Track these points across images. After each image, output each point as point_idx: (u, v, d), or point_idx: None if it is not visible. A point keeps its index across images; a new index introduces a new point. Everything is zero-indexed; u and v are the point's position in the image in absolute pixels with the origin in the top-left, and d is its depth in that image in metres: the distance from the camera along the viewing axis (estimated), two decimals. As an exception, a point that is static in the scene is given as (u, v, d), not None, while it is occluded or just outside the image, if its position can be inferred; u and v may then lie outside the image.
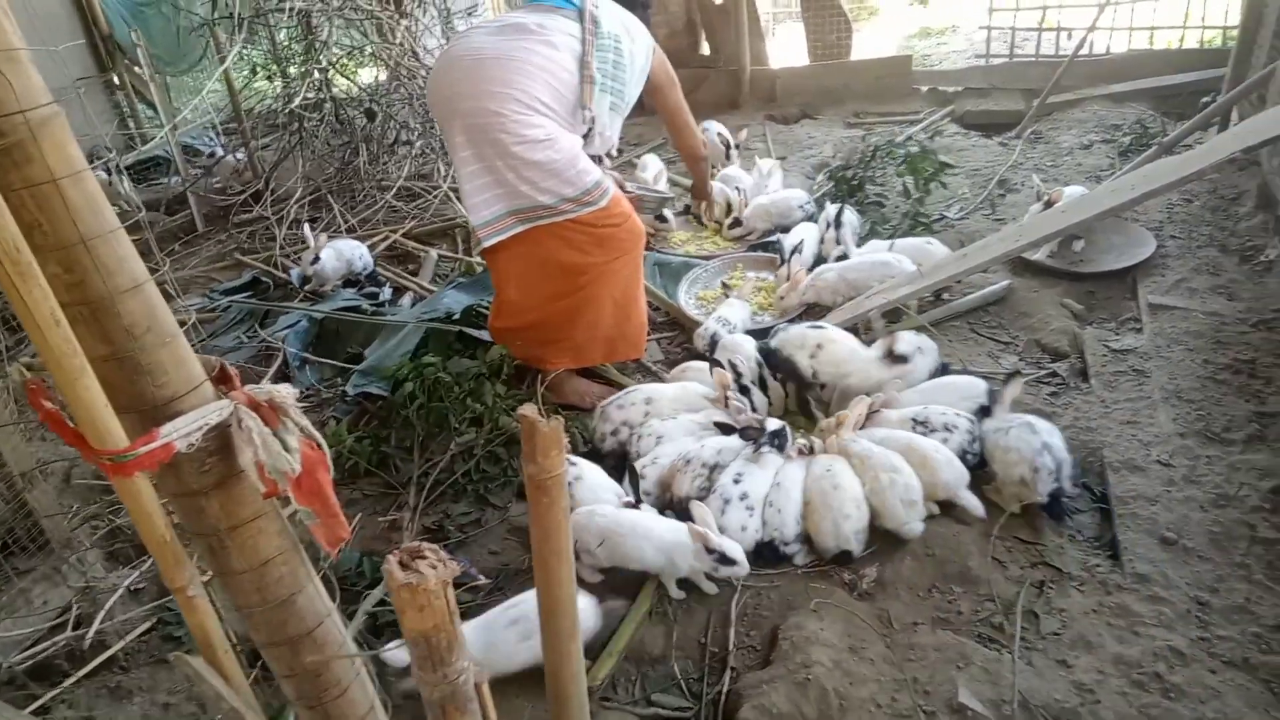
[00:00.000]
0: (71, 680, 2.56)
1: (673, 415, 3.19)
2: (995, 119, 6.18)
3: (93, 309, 0.87)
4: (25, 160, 0.81)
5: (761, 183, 5.09)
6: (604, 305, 3.45)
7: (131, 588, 2.89)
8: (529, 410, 1.26)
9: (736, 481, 2.80)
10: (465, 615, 2.58)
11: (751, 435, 2.92)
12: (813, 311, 4.03)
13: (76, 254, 0.85)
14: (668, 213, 5.01)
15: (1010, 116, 6.10)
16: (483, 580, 2.71)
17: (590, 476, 2.86)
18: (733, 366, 3.31)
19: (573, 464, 2.87)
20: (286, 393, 0.97)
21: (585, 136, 3.34)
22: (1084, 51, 6.15)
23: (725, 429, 3.03)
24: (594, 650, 2.53)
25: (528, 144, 3.09)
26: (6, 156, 0.79)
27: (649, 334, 4.12)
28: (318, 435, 0.99)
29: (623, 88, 3.38)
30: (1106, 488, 2.87)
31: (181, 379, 0.93)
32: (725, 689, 2.44)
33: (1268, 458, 2.87)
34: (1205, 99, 5.49)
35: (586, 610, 2.45)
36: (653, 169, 5.41)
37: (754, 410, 3.19)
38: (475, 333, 3.93)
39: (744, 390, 3.23)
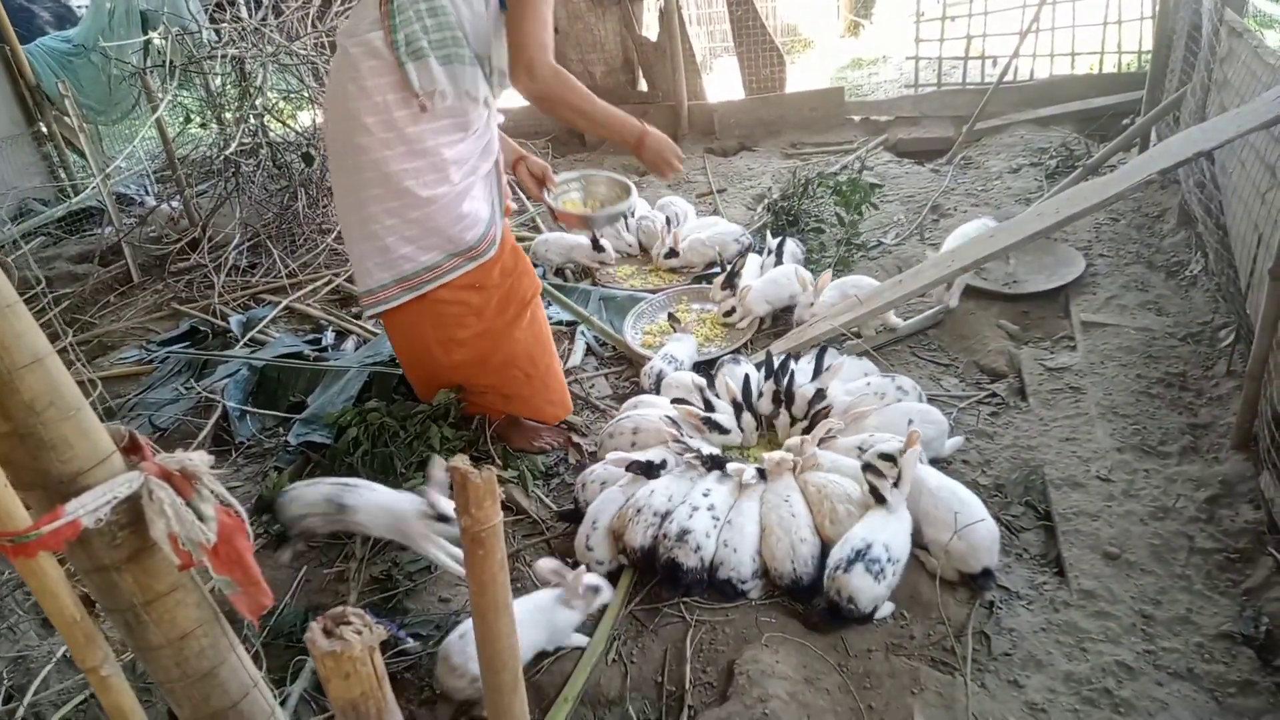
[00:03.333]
0: (1, 759, 2.45)
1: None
2: (927, 146, 6.34)
3: (-10, 386, 0.84)
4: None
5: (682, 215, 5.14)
6: (516, 374, 3.32)
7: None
8: (460, 462, 1.25)
9: (705, 494, 2.84)
10: (395, 680, 2.52)
11: (711, 465, 2.94)
12: (758, 343, 4.08)
13: (-31, 331, 0.82)
14: (605, 243, 4.99)
15: (941, 143, 6.27)
16: (412, 644, 2.65)
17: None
18: (700, 392, 3.35)
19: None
20: (199, 459, 0.94)
21: (471, 118, 2.96)
22: (1008, 78, 6.36)
23: (712, 462, 3.00)
24: (547, 696, 2.49)
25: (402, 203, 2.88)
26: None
27: (596, 369, 4.13)
28: (234, 502, 0.97)
29: (456, 33, 2.79)
30: (1049, 505, 2.92)
31: (87, 452, 0.90)
32: (683, 728, 2.42)
33: (1201, 468, 2.95)
34: (1126, 120, 5.71)
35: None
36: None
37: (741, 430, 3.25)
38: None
39: (708, 404, 3.28)
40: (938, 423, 3.11)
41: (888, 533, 2.58)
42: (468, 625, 2.43)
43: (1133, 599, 2.58)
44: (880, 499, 2.65)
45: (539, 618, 2.53)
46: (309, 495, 2.85)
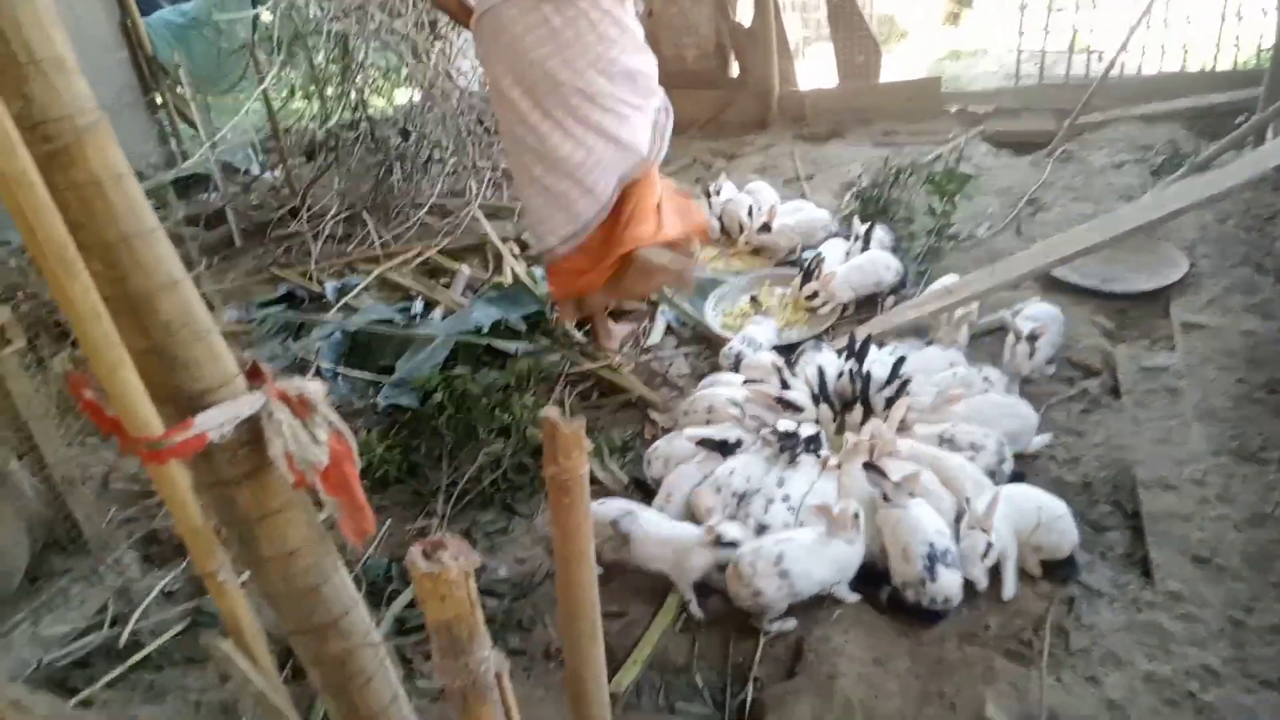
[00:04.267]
0: (107, 678, 2.61)
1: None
2: (1025, 138, 6.14)
3: (132, 304, 0.91)
4: (70, 163, 0.85)
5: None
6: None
7: (166, 589, 2.95)
8: (552, 412, 1.29)
9: (780, 484, 2.84)
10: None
11: (788, 444, 2.93)
12: (840, 329, 4.04)
13: (117, 253, 0.89)
14: None
15: (1041, 136, 6.06)
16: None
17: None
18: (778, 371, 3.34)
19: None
20: (316, 388, 1.00)
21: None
22: (1115, 72, 6.11)
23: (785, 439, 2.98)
24: (617, 659, 2.54)
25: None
26: (54, 160, 0.84)
27: (676, 347, 4.16)
28: (345, 429, 1.03)
29: None
30: (1138, 505, 2.83)
31: (215, 373, 0.97)
32: (749, 699, 2.44)
33: (1305, 477, 2.82)
34: (1239, 119, 5.44)
35: None
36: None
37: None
38: (503, 345, 3.99)
39: (784, 384, 3.24)
40: (1025, 417, 3.04)
41: (930, 519, 2.58)
42: (758, 543, 2.58)
43: (1222, 604, 2.49)
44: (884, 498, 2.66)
45: (821, 554, 2.56)
46: (596, 514, 2.70)
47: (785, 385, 3.27)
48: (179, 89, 6.17)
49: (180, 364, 0.94)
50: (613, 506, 2.79)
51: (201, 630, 2.80)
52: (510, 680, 1.08)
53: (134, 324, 0.92)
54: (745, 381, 3.33)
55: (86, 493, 2.94)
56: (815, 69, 8.34)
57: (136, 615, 2.79)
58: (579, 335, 4.17)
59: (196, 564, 1.00)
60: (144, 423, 0.89)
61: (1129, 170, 5.25)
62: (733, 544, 2.60)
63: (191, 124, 6.36)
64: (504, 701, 1.06)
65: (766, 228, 4.81)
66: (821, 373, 3.27)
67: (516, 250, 5.30)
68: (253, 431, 0.98)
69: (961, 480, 2.74)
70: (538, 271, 4.87)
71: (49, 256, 0.80)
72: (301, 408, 0.99)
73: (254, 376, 1.01)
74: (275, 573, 1.03)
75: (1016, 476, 2.90)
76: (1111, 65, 6.00)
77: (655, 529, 2.73)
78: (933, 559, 2.47)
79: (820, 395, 3.23)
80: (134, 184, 0.92)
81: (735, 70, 7.58)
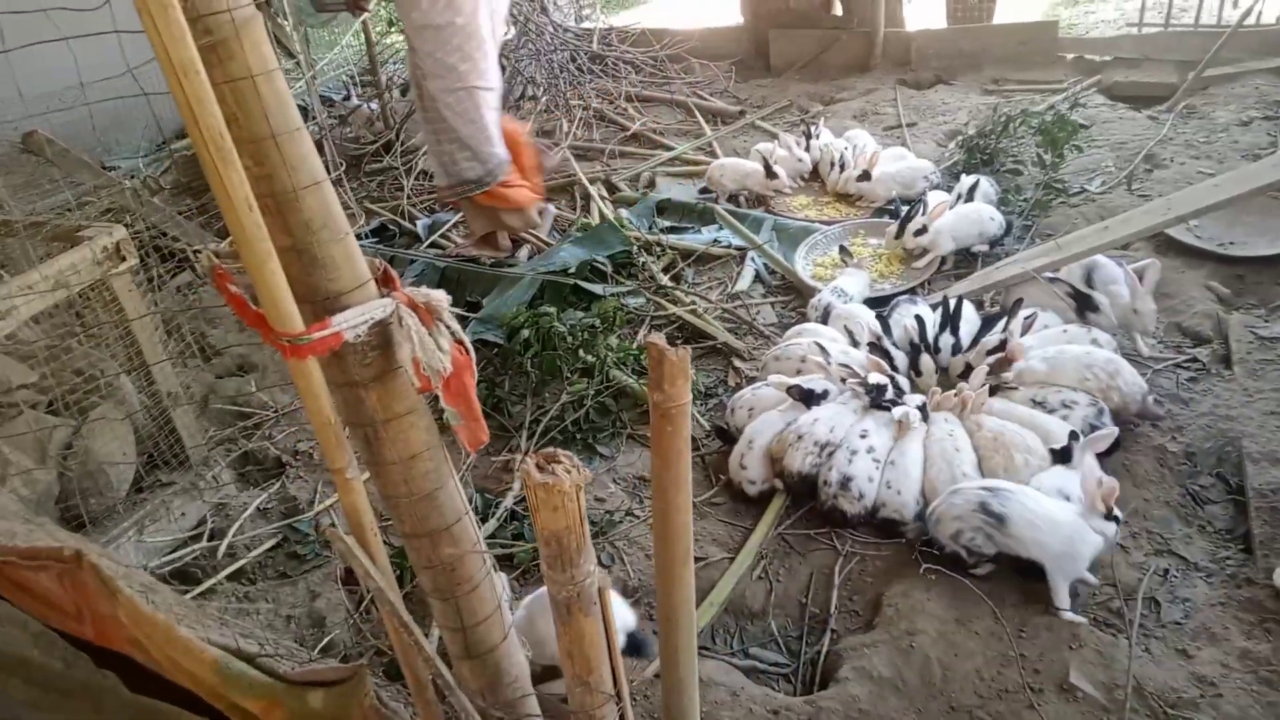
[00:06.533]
0: (205, 585, 2.76)
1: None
2: (1145, 91, 5.81)
3: (277, 202, 0.94)
4: (228, 57, 0.87)
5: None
6: None
7: (260, 507, 3.09)
8: (657, 339, 1.29)
9: (863, 436, 2.80)
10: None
11: (878, 397, 2.91)
12: (935, 283, 3.94)
13: (266, 148, 0.91)
14: (779, 169, 4.89)
15: (1162, 89, 5.73)
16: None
17: None
18: (849, 333, 3.30)
19: None
20: (441, 297, 1.02)
21: None
22: (1249, 21, 5.71)
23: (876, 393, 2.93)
24: (696, 600, 2.56)
25: None
26: (213, 53, 0.86)
27: (764, 295, 4.11)
28: (467, 340, 1.04)
29: None
30: (1244, 479, 2.71)
31: (350, 275, 1.00)
32: (825, 649, 2.45)
33: None
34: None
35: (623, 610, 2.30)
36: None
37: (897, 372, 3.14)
38: (590, 286, 4.00)
39: (885, 354, 3.15)
40: (1129, 380, 2.92)
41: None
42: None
43: (1328, 586, 2.38)
44: (1067, 458, 2.55)
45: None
46: (956, 505, 2.51)
47: (887, 355, 3.20)
48: (279, 20, 6.27)
49: (319, 264, 0.97)
50: (970, 490, 2.50)
51: (298, 548, 2.93)
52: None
53: (279, 221, 0.95)
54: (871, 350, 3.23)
55: (189, 412, 3.07)
56: (924, 9, 7.98)
57: (233, 531, 2.93)
58: (665, 279, 4.16)
59: (327, 460, 1.04)
60: (287, 317, 0.92)
61: (1257, 128, 4.92)
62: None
63: (291, 54, 6.46)
64: (605, 616, 1.08)
65: (866, 176, 4.68)
66: (921, 322, 3.20)
67: (605, 192, 5.29)
68: (383, 336, 1.01)
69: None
70: (625, 213, 4.85)
71: (208, 145, 0.82)
72: (428, 316, 1.00)
73: (386, 283, 1.03)
74: (397, 475, 1.07)
75: (1116, 443, 2.79)
76: (1248, 13, 5.60)
77: (1039, 507, 2.40)
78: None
79: (922, 345, 3.17)
80: (282, 81, 0.93)
81: (839, 9, 7.32)
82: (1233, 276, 3.67)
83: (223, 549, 2.89)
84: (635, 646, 2.22)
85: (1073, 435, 2.58)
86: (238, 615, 2.71)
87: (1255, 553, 2.50)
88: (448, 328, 1.02)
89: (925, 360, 3.17)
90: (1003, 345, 3.05)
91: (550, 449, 1.01)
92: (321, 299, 0.98)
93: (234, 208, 0.85)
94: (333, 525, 1.24)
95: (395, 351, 1.00)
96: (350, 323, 0.94)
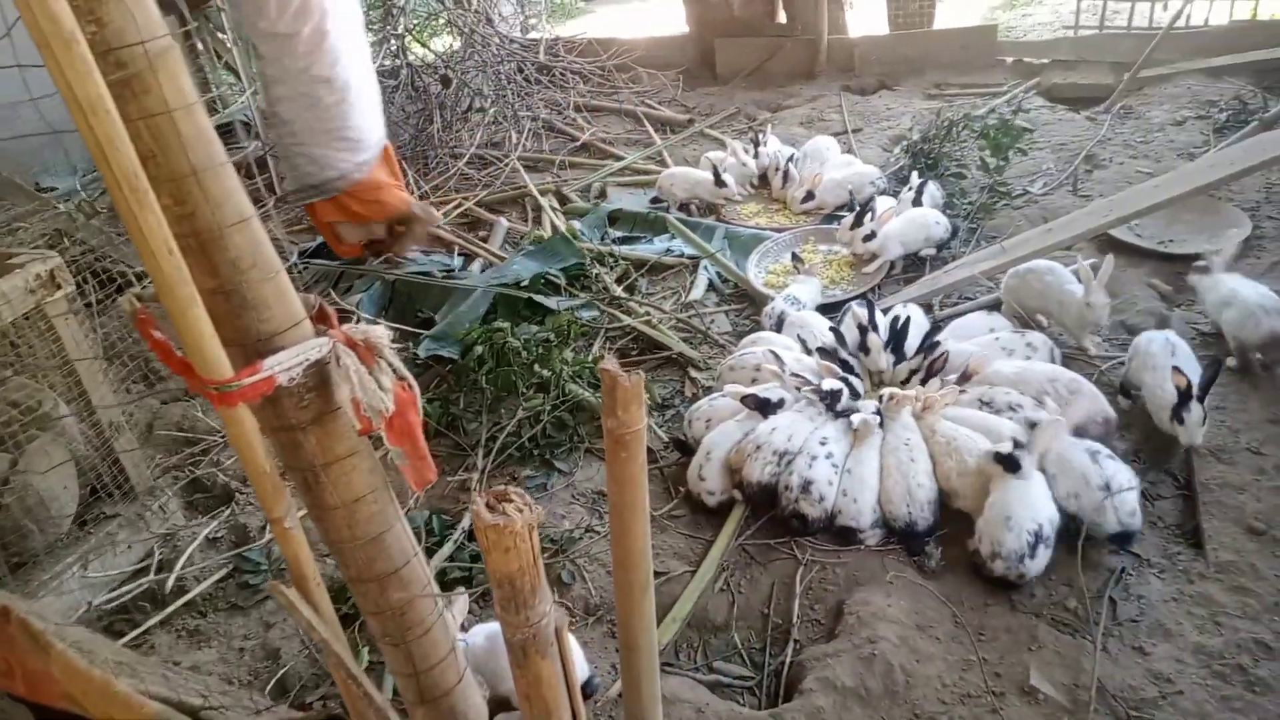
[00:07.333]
0: (153, 621, 2.67)
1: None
2: (1083, 92, 5.94)
3: (201, 241, 0.89)
4: (143, 91, 0.82)
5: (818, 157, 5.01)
6: None
7: (210, 536, 3.00)
8: (610, 364, 1.26)
9: (823, 443, 2.80)
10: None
11: (832, 402, 2.92)
12: (886, 288, 3.97)
13: (188, 185, 0.87)
14: (727, 177, 4.88)
15: (1099, 90, 5.86)
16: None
17: None
18: (801, 341, 3.30)
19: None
20: (381, 334, 0.98)
21: None
22: (1180, 23, 5.87)
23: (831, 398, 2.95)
24: (657, 616, 2.54)
25: None
26: (126, 88, 0.81)
27: (717, 304, 4.11)
28: (410, 377, 1.00)
29: None
30: (1190, 474, 2.76)
31: (283, 314, 0.95)
32: (788, 660, 2.44)
33: (1369, 448, 2.73)
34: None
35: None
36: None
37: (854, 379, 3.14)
38: (544, 299, 3.96)
39: (844, 364, 3.15)
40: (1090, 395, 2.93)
41: (1044, 503, 2.51)
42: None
43: (1277, 576, 2.43)
44: (1015, 467, 2.55)
45: None
46: None
47: (846, 366, 3.20)
48: (219, 34, 6.13)
49: (250, 305, 0.92)
50: None
51: (250, 577, 2.85)
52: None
53: (204, 262, 0.90)
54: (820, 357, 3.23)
55: (133, 439, 2.97)
56: (866, 16, 8.09)
57: (182, 562, 2.83)
58: (619, 290, 4.14)
59: (264, 509, 0.99)
60: (214, 364, 0.87)
61: (1191, 127, 5.06)
62: None
63: (231, 69, 6.32)
64: (563, 656, 1.05)
65: (810, 196, 4.72)
66: (898, 321, 3.25)
67: (556, 203, 5.25)
68: (320, 376, 0.96)
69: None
70: (576, 224, 4.82)
71: (122, 186, 0.77)
72: (367, 353, 0.96)
73: (321, 320, 0.99)
74: (340, 520, 1.02)
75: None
76: (1178, 16, 5.75)
77: None
78: (1038, 538, 2.43)
79: (888, 344, 3.20)
80: (203, 115, 0.89)
81: (783, 17, 7.37)
82: (1173, 274, 3.75)
83: (171, 581, 2.80)
84: (585, 686, 2.20)
85: (1016, 444, 2.56)
86: (189, 649, 2.63)
87: (1205, 547, 2.55)
88: (389, 364, 0.98)
89: (872, 338, 3.20)
90: (934, 345, 3.11)
91: (501, 487, 0.97)
92: (253, 341, 0.93)
93: (153, 253, 0.80)
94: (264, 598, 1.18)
95: (334, 392, 0.95)
96: (284, 365, 0.89)
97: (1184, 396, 2.69)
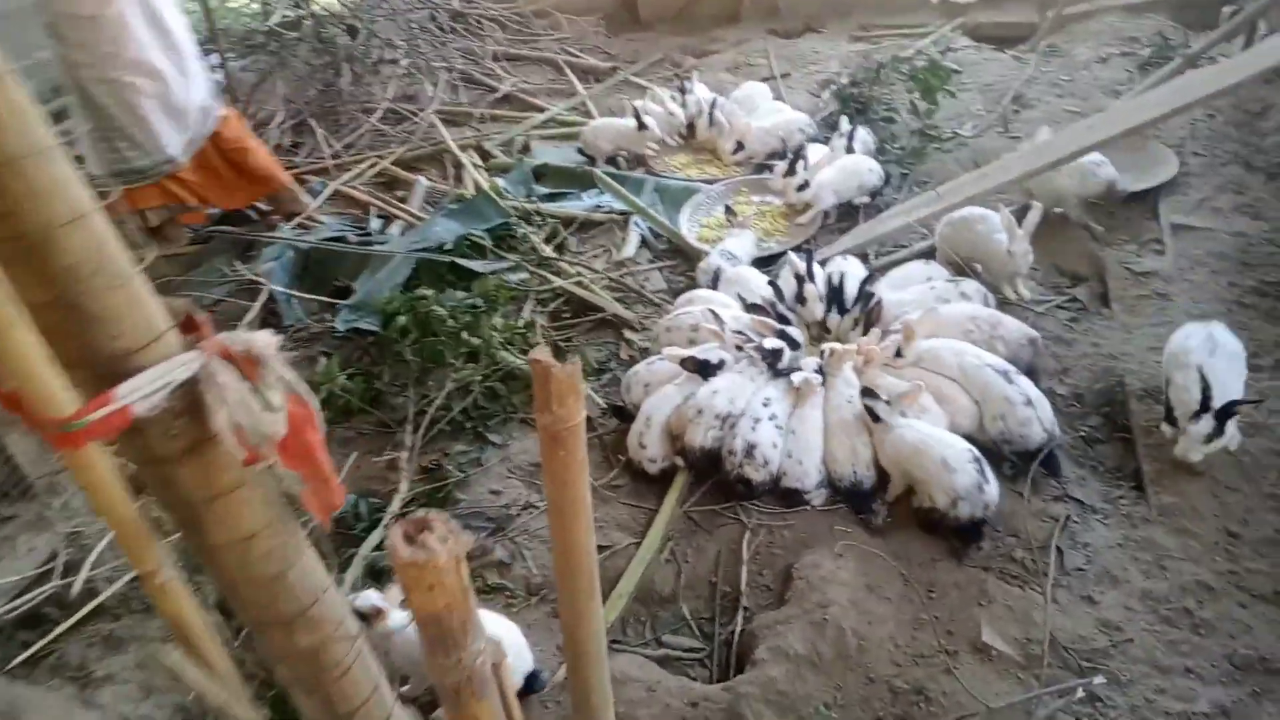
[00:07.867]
0: (62, 629, 2.47)
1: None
2: (1008, 31, 5.91)
3: (27, 245, 0.72)
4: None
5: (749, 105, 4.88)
6: None
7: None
8: (541, 354, 1.13)
9: (766, 404, 2.72)
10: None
11: (773, 361, 2.85)
12: (821, 238, 3.88)
13: (3, 178, 0.69)
14: (648, 119, 4.67)
15: (1024, 29, 5.83)
16: (500, 553, 2.59)
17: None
18: (740, 299, 3.20)
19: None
20: (266, 340, 0.82)
21: None
22: (1100, -41, 5.83)
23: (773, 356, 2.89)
24: (602, 592, 2.44)
25: None
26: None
27: (650, 262, 3.98)
28: (305, 390, 0.85)
29: None
30: (1129, 417, 2.76)
31: (140, 328, 0.78)
32: (738, 629, 2.38)
33: (1299, 384, 2.77)
34: (1229, 8, 5.23)
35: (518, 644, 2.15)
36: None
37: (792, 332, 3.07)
38: (469, 263, 3.77)
39: (780, 317, 3.08)
40: (1013, 329, 2.92)
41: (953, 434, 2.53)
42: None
43: (1216, 517, 2.46)
44: (876, 419, 2.57)
45: None
46: None
47: (783, 319, 3.12)
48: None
49: (95, 319, 0.75)
50: None
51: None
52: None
53: (33, 271, 0.72)
54: (748, 308, 3.15)
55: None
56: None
57: (90, 562, 2.62)
58: (548, 250, 3.97)
59: (131, 563, 0.83)
60: (48, 399, 0.71)
61: (1115, 64, 5.06)
62: None
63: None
64: (503, 693, 0.93)
65: (740, 147, 4.58)
66: (834, 278, 3.18)
67: (478, 159, 5.01)
68: (192, 398, 0.80)
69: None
70: (500, 182, 4.61)
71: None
72: (249, 366, 0.81)
73: (191, 329, 0.83)
74: (230, 561, 0.87)
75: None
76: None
77: None
78: (980, 463, 2.40)
79: (834, 301, 3.14)
80: (20, 89, 0.71)
81: (703, -42, 7.15)
82: (1105, 214, 3.74)
83: (79, 584, 2.59)
84: (532, 681, 2.13)
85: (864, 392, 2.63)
86: (102, 656, 2.45)
87: (1146, 490, 2.56)
88: (280, 377, 0.83)
89: (809, 288, 3.16)
90: (869, 295, 3.06)
91: (420, 514, 0.84)
92: (104, 361, 0.76)
93: (-50, 268, 0.64)
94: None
95: (209, 419, 0.80)
96: (142, 391, 0.73)
97: (1203, 405, 2.47)
